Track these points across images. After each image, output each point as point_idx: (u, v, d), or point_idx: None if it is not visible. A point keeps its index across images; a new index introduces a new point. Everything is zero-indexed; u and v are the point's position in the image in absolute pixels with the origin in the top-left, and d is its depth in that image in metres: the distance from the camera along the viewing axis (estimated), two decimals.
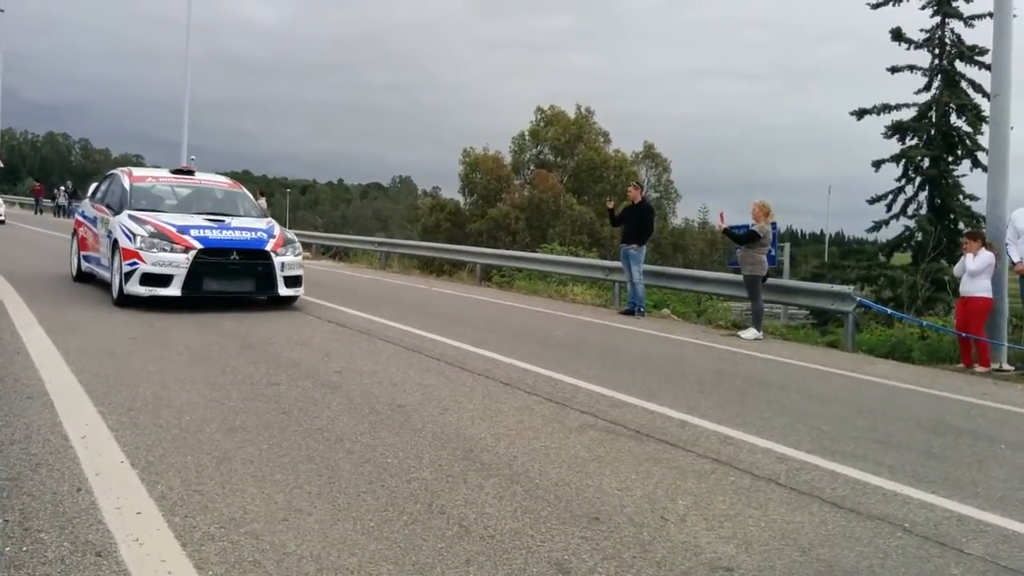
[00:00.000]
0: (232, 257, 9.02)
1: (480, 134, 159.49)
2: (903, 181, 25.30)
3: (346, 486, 3.59)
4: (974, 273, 8.87)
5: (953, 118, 24.95)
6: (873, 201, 25.55)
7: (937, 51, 24.91)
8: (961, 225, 23.46)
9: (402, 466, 3.91)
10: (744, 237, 10.25)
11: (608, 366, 7.17)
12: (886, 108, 25.02)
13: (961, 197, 24.64)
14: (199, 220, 9.40)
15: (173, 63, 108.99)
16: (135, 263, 8.62)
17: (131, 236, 8.80)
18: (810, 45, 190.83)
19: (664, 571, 2.92)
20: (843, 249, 35.76)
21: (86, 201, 11.63)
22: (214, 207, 10.30)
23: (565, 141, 47.39)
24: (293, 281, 9.44)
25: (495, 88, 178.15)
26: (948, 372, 8.57)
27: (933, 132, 24.77)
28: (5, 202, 31.64)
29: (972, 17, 24.16)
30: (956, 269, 9.41)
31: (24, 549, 2.79)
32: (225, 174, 12.98)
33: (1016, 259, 8.73)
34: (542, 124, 48.48)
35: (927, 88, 25.02)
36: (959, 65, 24.76)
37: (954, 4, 24.54)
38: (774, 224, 10.67)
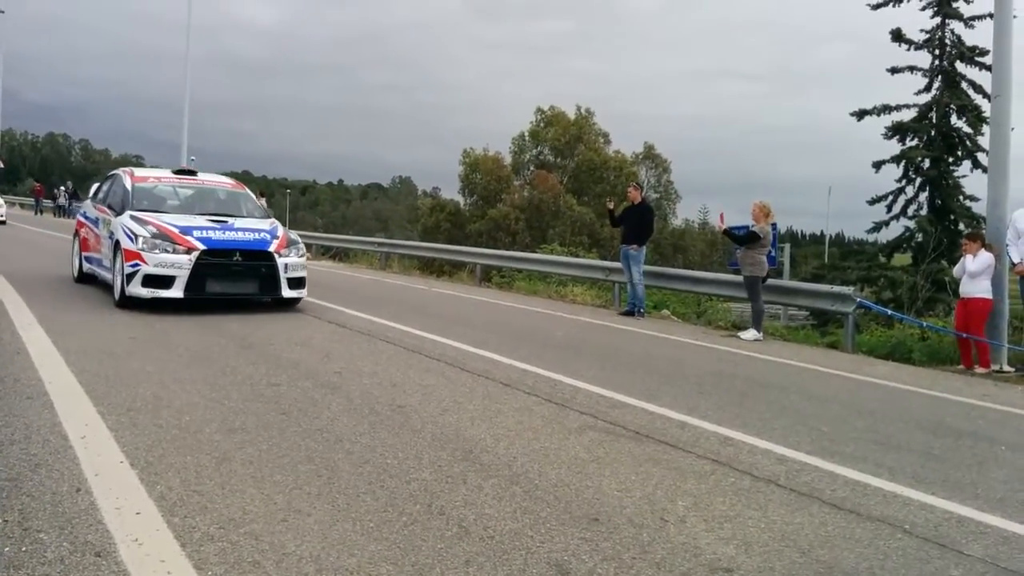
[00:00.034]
0: (235, 258, 8.94)
1: (480, 135, 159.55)
2: (903, 182, 25.31)
3: (346, 487, 3.58)
4: (974, 274, 8.87)
5: (953, 119, 24.96)
6: (873, 202, 25.57)
7: (937, 52, 24.92)
8: (961, 226, 23.45)
9: (402, 467, 3.91)
10: (744, 238, 10.25)
11: (608, 367, 7.17)
12: (886, 109, 25.02)
13: (961, 198, 24.65)
14: (202, 221, 9.32)
15: (173, 63, 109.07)
16: (137, 264, 8.56)
17: (133, 237, 8.75)
18: (810, 46, 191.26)
19: (664, 572, 2.92)
20: (843, 250, 35.74)
21: (88, 202, 11.55)
22: (217, 208, 10.22)
23: (565, 142, 47.41)
24: (297, 283, 9.36)
25: (495, 89, 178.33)
26: (948, 373, 8.57)
27: (933, 133, 24.77)
28: (6, 203, 31.63)
29: (972, 18, 24.17)
30: (956, 270, 9.41)
31: (23, 549, 2.79)
32: (225, 175, 12.94)
33: (1016, 260, 8.72)
34: (542, 125, 48.49)
35: (927, 89, 25.03)
36: (959, 66, 24.76)
37: (954, 5, 24.55)
38: (774, 225, 10.67)
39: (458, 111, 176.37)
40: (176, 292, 8.60)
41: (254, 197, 11.29)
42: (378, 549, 2.95)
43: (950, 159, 24.91)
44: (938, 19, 24.83)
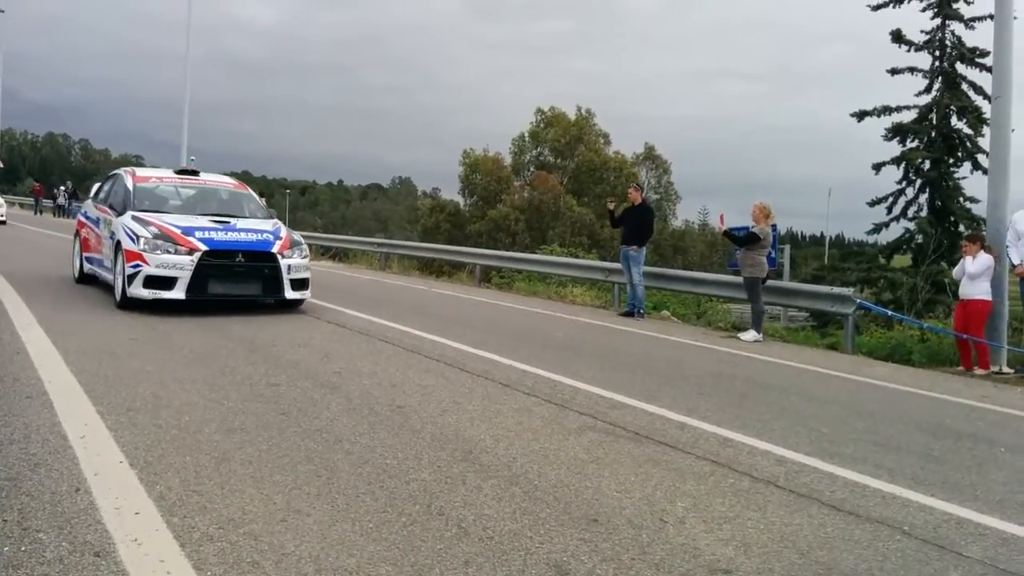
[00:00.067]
0: (237, 259, 8.83)
1: (480, 135, 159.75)
2: (903, 183, 25.29)
3: (345, 487, 3.58)
4: (973, 276, 8.87)
5: (954, 120, 24.95)
6: (873, 203, 25.56)
7: (938, 53, 24.90)
8: (961, 228, 23.44)
9: (401, 467, 3.91)
10: (744, 239, 10.25)
11: (607, 368, 7.17)
12: (886, 110, 25.01)
13: (961, 199, 24.62)
14: (204, 221, 9.22)
15: (173, 63, 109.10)
16: (138, 265, 8.48)
17: (134, 237, 8.67)
18: (810, 47, 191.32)
19: (663, 573, 2.92)
20: (843, 251, 35.71)
21: (89, 202, 11.46)
22: (219, 208, 10.12)
23: (565, 143, 47.41)
24: (300, 284, 9.27)
25: (495, 89, 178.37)
26: (948, 375, 8.57)
27: (934, 134, 24.76)
28: (5, 203, 31.62)
29: (973, 19, 24.15)
30: (955, 272, 9.41)
31: (23, 549, 2.78)
32: (225, 175, 12.93)
33: (1016, 261, 8.72)
34: (542, 125, 48.49)
35: (928, 90, 25.01)
36: (960, 67, 24.74)
37: (955, 6, 24.53)
38: (774, 226, 10.67)
39: (458, 112, 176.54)
40: (178, 293, 8.52)
41: (256, 198, 11.17)
42: (377, 549, 2.95)
43: (950, 160, 24.89)
44: (938, 20, 24.82)
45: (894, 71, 25.18)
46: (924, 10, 24.94)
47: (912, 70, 25.01)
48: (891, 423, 5.71)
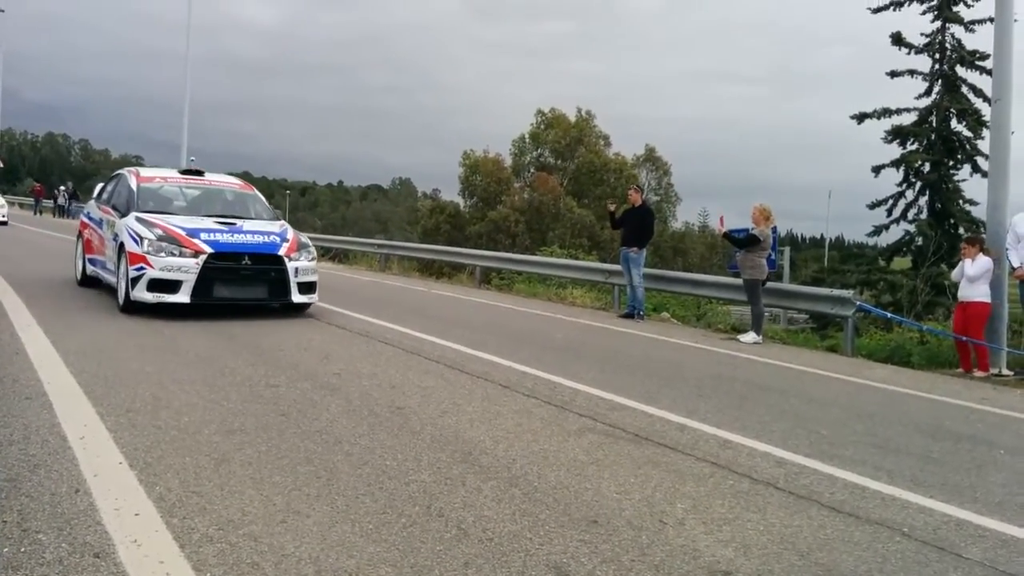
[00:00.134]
0: (244, 262, 8.64)
1: (480, 136, 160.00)
2: (903, 186, 25.31)
3: (345, 488, 3.58)
4: (973, 278, 8.87)
5: (954, 123, 24.97)
6: (873, 206, 25.57)
7: (937, 56, 24.92)
8: (961, 230, 23.46)
9: (401, 468, 3.91)
10: (744, 241, 10.26)
11: (607, 369, 7.17)
12: (886, 112, 25.03)
13: (961, 202, 24.64)
14: (209, 223, 9.03)
15: (173, 63, 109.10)
16: (142, 268, 8.32)
17: (138, 239, 8.51)
18: (811, 49, 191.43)
19: (662, 574, 2.92)
20: (843, 253, 35.70)
21: (92, 202, 11.28)
22: (224, 209, 9.92)
23: (565, 144, 47.40)
24: (307, 287, 9.10)
25: (495, 90, 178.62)
26: (947, 377, 8.57)
27: (933, 137, 24.78)
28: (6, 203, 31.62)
29: (973, 22, 24.18)
30: (954, 274, 9.42)
31: (22, 550, 2.78)
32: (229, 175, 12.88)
33: (1016, 264, 8.72)
34: (542, 127, 48.48)
35: (928, 93, 25.03)
36: (960, 70, 24.76)
37: (955, 9, 24.55)
38: (774, 228, 10.67)
39: (458, 113, 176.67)
40: (182, 297, 8.35)
41: (263, 198, 10.92)
42: (377, 551, 2.95)
43: (950, 163, 24.91)
44: (938, 23, 24.84)
45: (894, 74, 25.22)
46: (924, 13, 24.99)
47: (912, 73, 25.05)
48: (891, 425, 5.71)
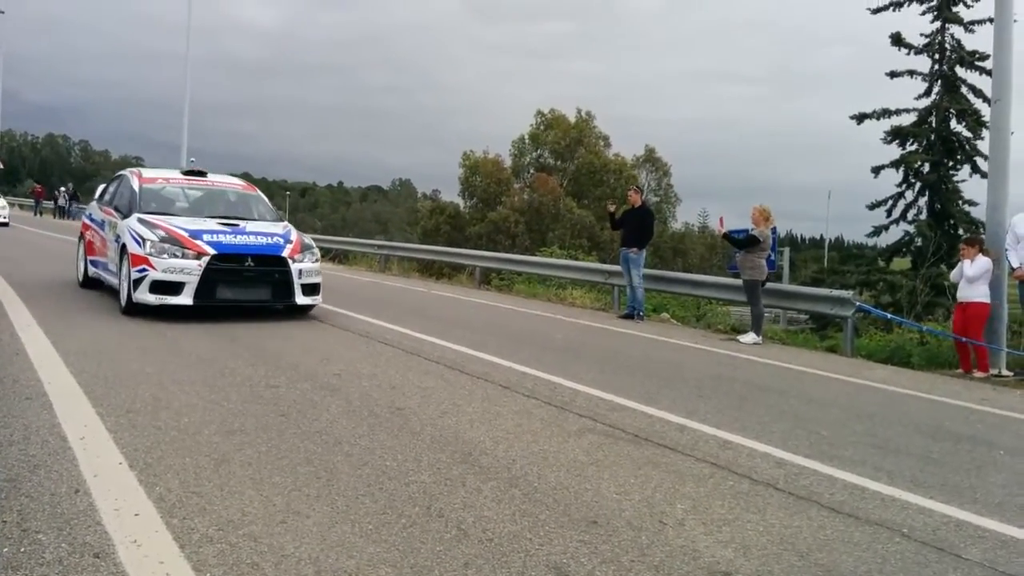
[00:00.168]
0: (247, 264, 8.57)
1: (480, 137, 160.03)
2: (903, 186, 25.32)
3: (344, 489, 3.59)
4: (972, 279, 8.87)
5: (953, 123, 24.98)
6: (873, 206, 25.58)
7: (937, 56, 24.93)
8: (961, 231, 23.46)
9: (401, 469, 3.91)
10: (744, 241, 10.26)
11: (607, 370, 7.17)
12: (886, 113, 25.04)
13: (961, 202, 24.65)
14: (212, 224, 8.97)
15: (173, 64, 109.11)
16: (144, 270, 8.25)
17: (140, 241, 8.45)
18: (810, 49, 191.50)
19: (662, 575, 2.92)
20: (843, 254, 35.78)
21: (93, 203, 11.21)
22: (227, 210, 9.83)
23: (565, 145, 47.41)
24: (311, 289, 9.02)
25: (495, 91, 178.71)
26: (947, 377, 8.58)
27: (933, 137, 24.78)
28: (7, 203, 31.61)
29: (972, 22, 24.20)
30: (953, 275, 9.42)
31: (22, 550, 2.79)
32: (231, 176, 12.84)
33: (1016, 264, 8.73)
34: (542, 128, 48.48)
35: (927, 93, 25.04)
36: (959, 70, 24.78)
37: (954, 9, 24.57)
38: (774, 229, 10.68)
39: (458, 113, 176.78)
40: (185, 299, 8.29)
41: (266, 199, 10.84)
42: (377, 551, 2.95)
43: (950, 163, 24.92)
44: (938, 23, 24.85)
45: (893, 74, 25.23)
46: (924, 13, 25.00)
47: (912, 73, 25.06)
48: (890, 425, 5.72)
